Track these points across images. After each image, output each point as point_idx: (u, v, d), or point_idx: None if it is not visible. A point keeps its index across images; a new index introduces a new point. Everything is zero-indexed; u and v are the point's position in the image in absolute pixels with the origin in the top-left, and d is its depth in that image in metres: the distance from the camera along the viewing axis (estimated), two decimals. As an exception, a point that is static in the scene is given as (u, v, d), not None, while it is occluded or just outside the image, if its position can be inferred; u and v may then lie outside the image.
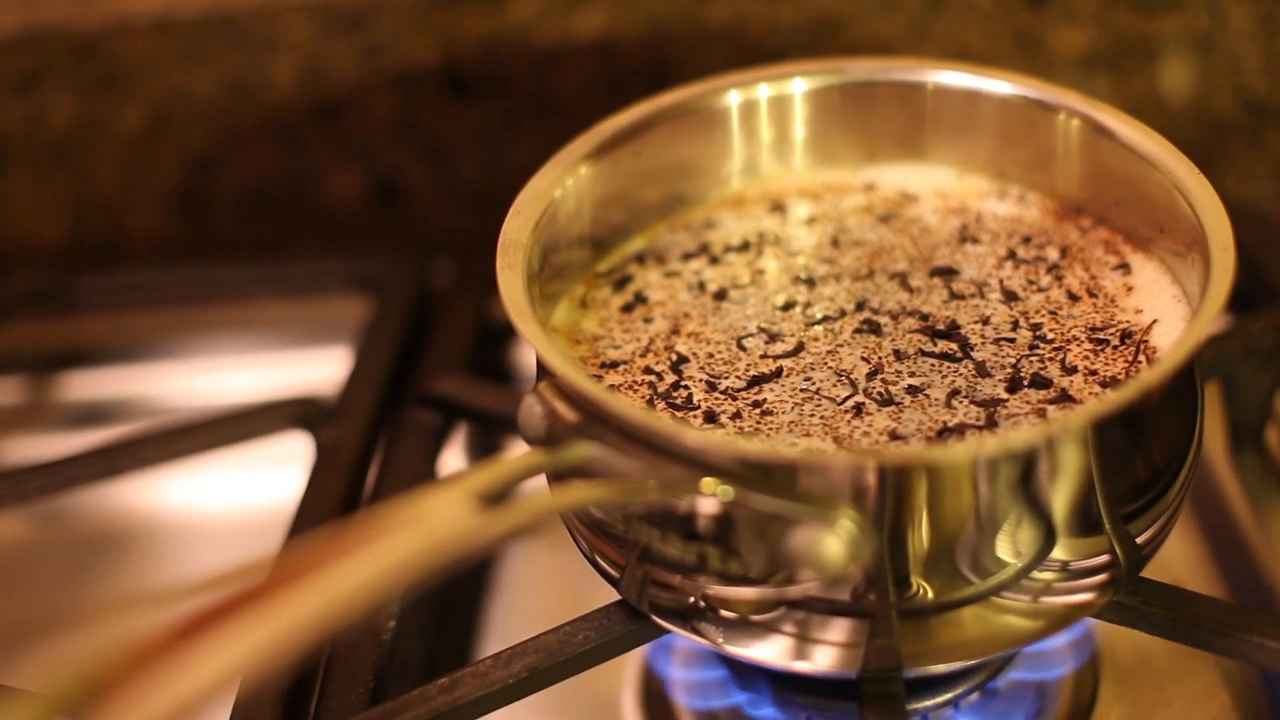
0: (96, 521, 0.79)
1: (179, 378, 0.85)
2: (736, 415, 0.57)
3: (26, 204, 0.91)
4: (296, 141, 0.90)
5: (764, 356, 0.60)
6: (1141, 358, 0.58)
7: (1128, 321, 0.60)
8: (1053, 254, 0.64)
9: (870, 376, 0.58)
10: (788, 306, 0.63)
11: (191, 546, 0.78)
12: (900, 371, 0.58)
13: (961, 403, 0.57)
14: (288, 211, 0.91)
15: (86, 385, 0.86)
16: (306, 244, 0.92)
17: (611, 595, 0.59)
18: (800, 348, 0.60)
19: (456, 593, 0.72)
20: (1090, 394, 0.56)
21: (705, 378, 0.59)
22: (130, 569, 0.77)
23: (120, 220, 0.92)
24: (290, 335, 0.86)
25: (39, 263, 0.90)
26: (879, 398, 0.57)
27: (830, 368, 0.59)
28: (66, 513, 0.79)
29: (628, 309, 0.63)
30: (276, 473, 0.76)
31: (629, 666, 0.66)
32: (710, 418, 0.57)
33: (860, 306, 0.62)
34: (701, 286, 0.64)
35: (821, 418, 0.57)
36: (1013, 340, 0.59)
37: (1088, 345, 0.59)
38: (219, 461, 0.74)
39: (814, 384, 0.58)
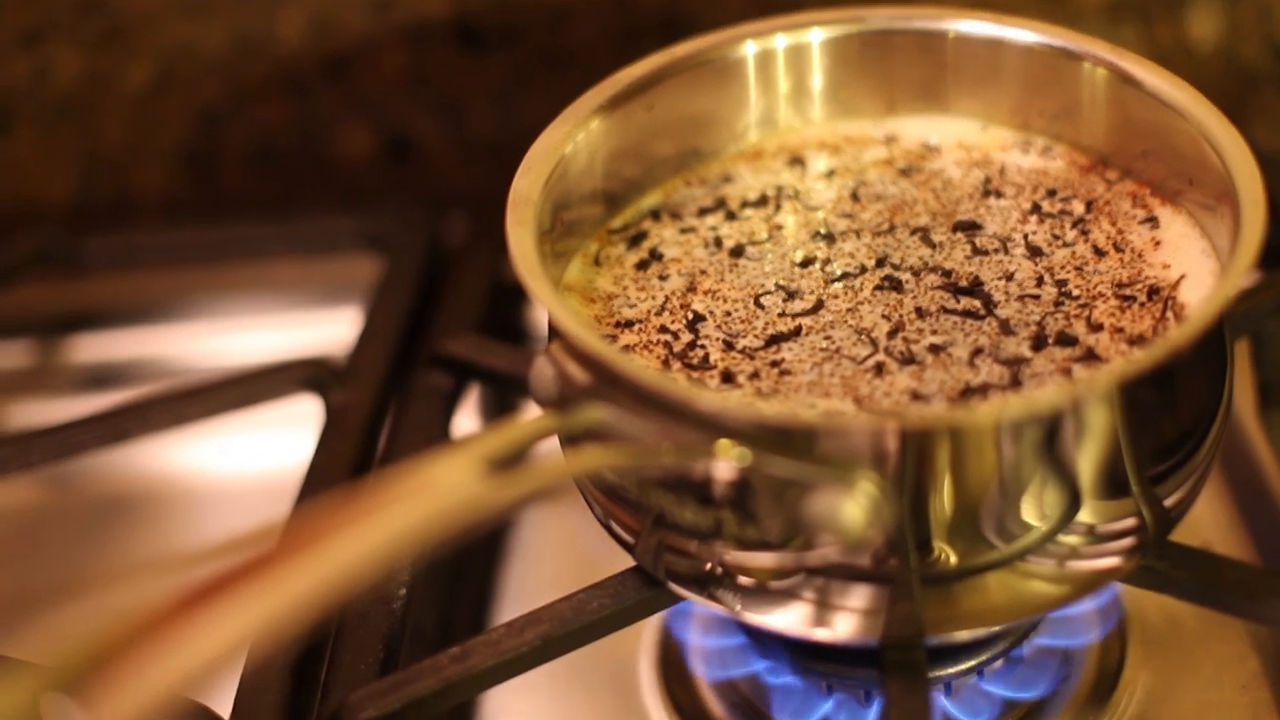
0: (105, 487, 0.79)
1: (188, 339, 0.85)
2: (754, 375, 0.56)
3: (33, 162, 0.91)
4: (306, 96, 0.89)
5: (782, 314, 0.59)
6: (1169, 314, 0.56)
7: (1155, 277, 0.58)
8: (1078, 208, 0.62)
9: (891, 335, 0.57)
10: (806, 263, 0.61)
11: (201, 511, 0.77)
12: (922, 329, 0.57)
13: (985, 361, 0.55)
14: (297, 168, 0.91)
15: (94, 347, 0.85)
16: (316, 201, 0.92)
17: (627, 561, 0.58)
18: (819, 305, 0.59)
19: (470, 559, 0.71)
20: (1117, 352, 0.55)
21: (722, 337, 0.58)
22: (139, 534, 0.76)
23: (128, 178, 0.91)
24: (300, 295, 0.85)
25: (46, 222, 0.89)
26: (900, 356, 0.56)
27: (850, 326, 0.58)
28: (74, 478, 0.79)
29: (642, 266, 0.62)
30: (286, 436, 0.75)
31: (645, 634, 0.65)
32: (727, 378, 0.56)
33: (881, 262, 0.61)
34: (718, 242, 0.63)
35: (841, 377, 0.55)
36: (1037, 297, 0.58)
37: (1114, 301, 0.57)
38: (228, 425, 0.73)
39: (834, 343, 0.57)
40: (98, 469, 0.78)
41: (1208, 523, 0.69)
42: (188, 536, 0.75)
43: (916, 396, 0.54)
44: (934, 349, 0.56)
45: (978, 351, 0.56)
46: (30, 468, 0.71)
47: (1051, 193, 0.63)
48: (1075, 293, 0.58)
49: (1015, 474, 0.51)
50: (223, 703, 0.57)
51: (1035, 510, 0.51)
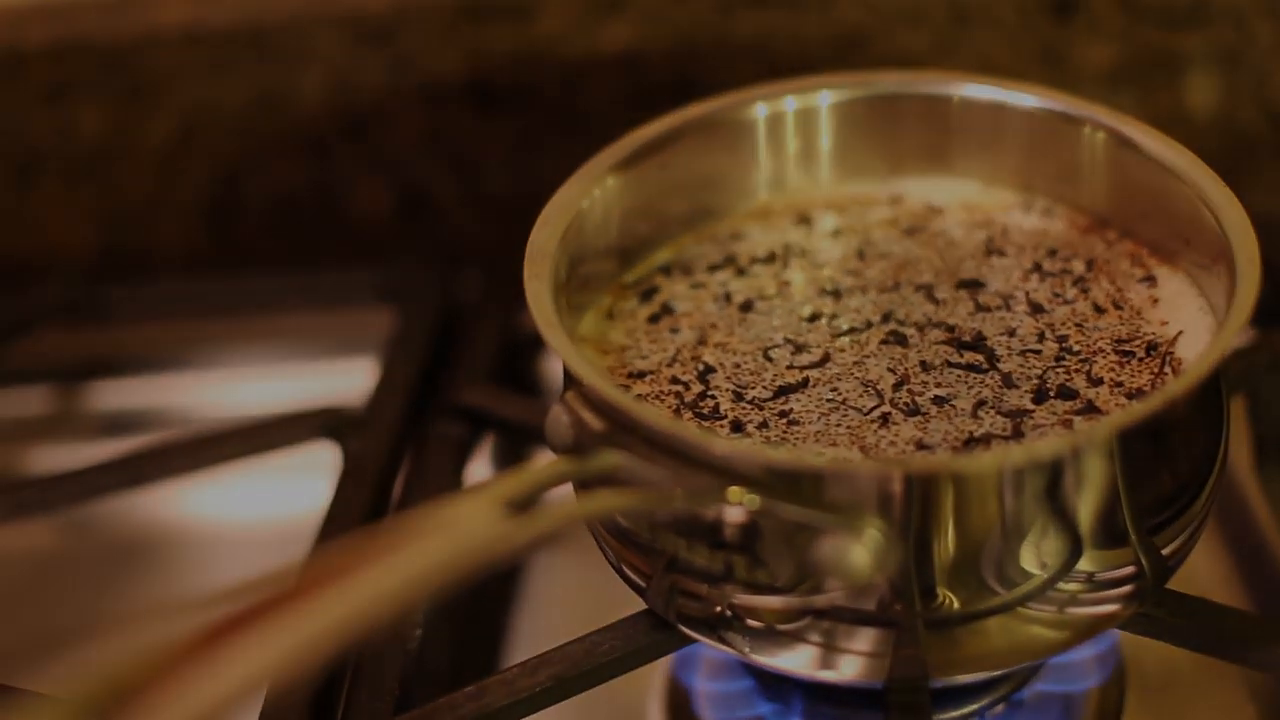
0: (123, 530, 0.79)
1: (207, 388, 0.85)
2: (763, 425, 0.57)
3: (56, 215, 0.91)
4: (324, 154, 0.90)
5: (790, 367, 0.60)
6: (1167, 369, 0.58)
7: (1153, 333, 0.60)
8: (1079, 266, 0.64)
9: (896, 387, 0.58)
10: (814, 318, 0.63)
11: (218, 556, 0.78)
12: (926, 382, 0.58)
13: (988, 413, 0.57)
14: (315, 224, 0.92)
15: (115, 395, 0.86)
16: (334, 256, 0.92)
17: (638, 604, 0.59)
18: (826, 359, 0.60)
19: (483, 602, 0.72)
20: (1116, 405, 0.56)
21: (732, 388, 0.59)
22: (157, 578, 0.77)
23: (149, 232, 0.92)
24: (317, 346, 0.86)
25: (68, 273, 0.90)
26: (905, 408, 0.57)
27: (857, 378, 0.59)
28: (94, 521, 0.79)
29: (654, 320, 0.63)
30: (303, 483, 0.75)
31: (655, 676, 0.66)
32: (737, 427, 0.57)
33: (886, 318, 0.62)
34: (728, 298, 0.64)
35: (848, 428, 0.57)
36: (1039, 352, 0.59)
37: (1114, 357, 0.59)
38: (246, 471, 0.74)
39: (840, 394, 0.58)
40: (116, 513, 0.78)
41: (1205, 575, 0.69)
42: (204, 581, 0.76)
43: (921, 446, 0.55)
44: (938, 401, 0.57)
45: (980, 404, 0.57)
46: (51, 511, 0.72)
47: (1052, 252, 0.65)
48: (1075, 348, 0.59)
49: (1016, 522, 0.52)
50: (241, 740, 0.58)
51: (1035, 557, 0.52)
